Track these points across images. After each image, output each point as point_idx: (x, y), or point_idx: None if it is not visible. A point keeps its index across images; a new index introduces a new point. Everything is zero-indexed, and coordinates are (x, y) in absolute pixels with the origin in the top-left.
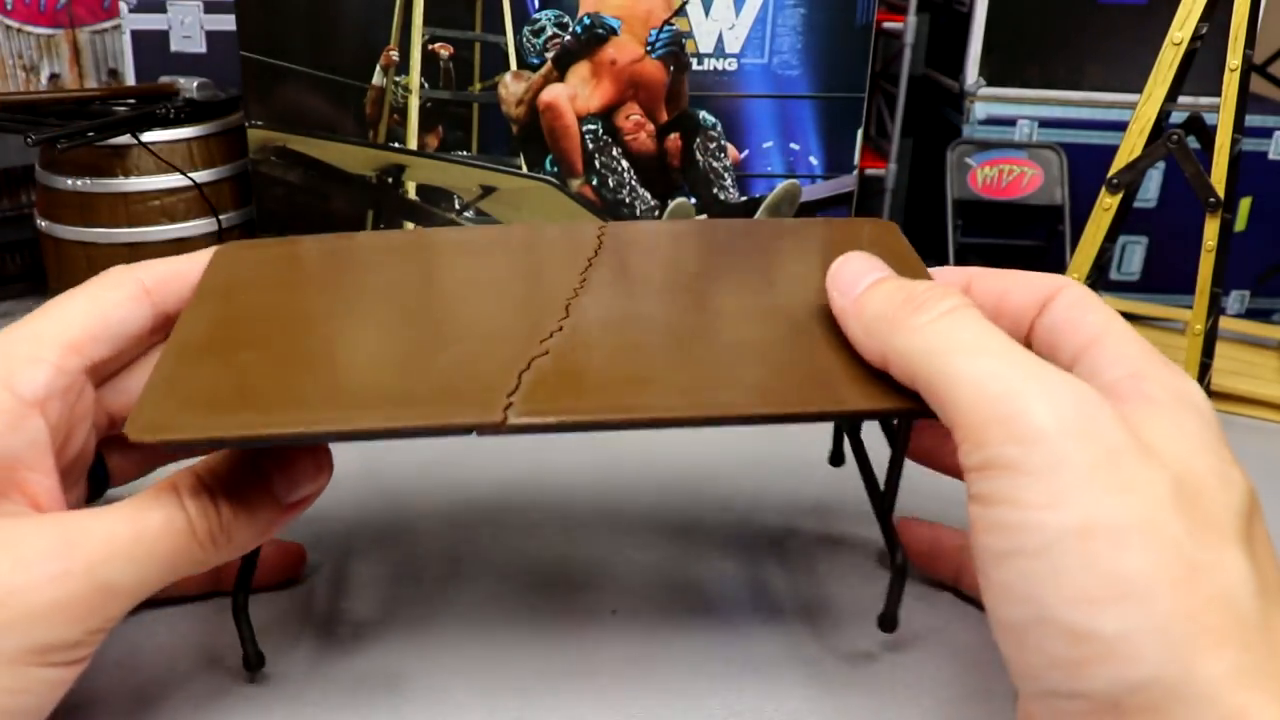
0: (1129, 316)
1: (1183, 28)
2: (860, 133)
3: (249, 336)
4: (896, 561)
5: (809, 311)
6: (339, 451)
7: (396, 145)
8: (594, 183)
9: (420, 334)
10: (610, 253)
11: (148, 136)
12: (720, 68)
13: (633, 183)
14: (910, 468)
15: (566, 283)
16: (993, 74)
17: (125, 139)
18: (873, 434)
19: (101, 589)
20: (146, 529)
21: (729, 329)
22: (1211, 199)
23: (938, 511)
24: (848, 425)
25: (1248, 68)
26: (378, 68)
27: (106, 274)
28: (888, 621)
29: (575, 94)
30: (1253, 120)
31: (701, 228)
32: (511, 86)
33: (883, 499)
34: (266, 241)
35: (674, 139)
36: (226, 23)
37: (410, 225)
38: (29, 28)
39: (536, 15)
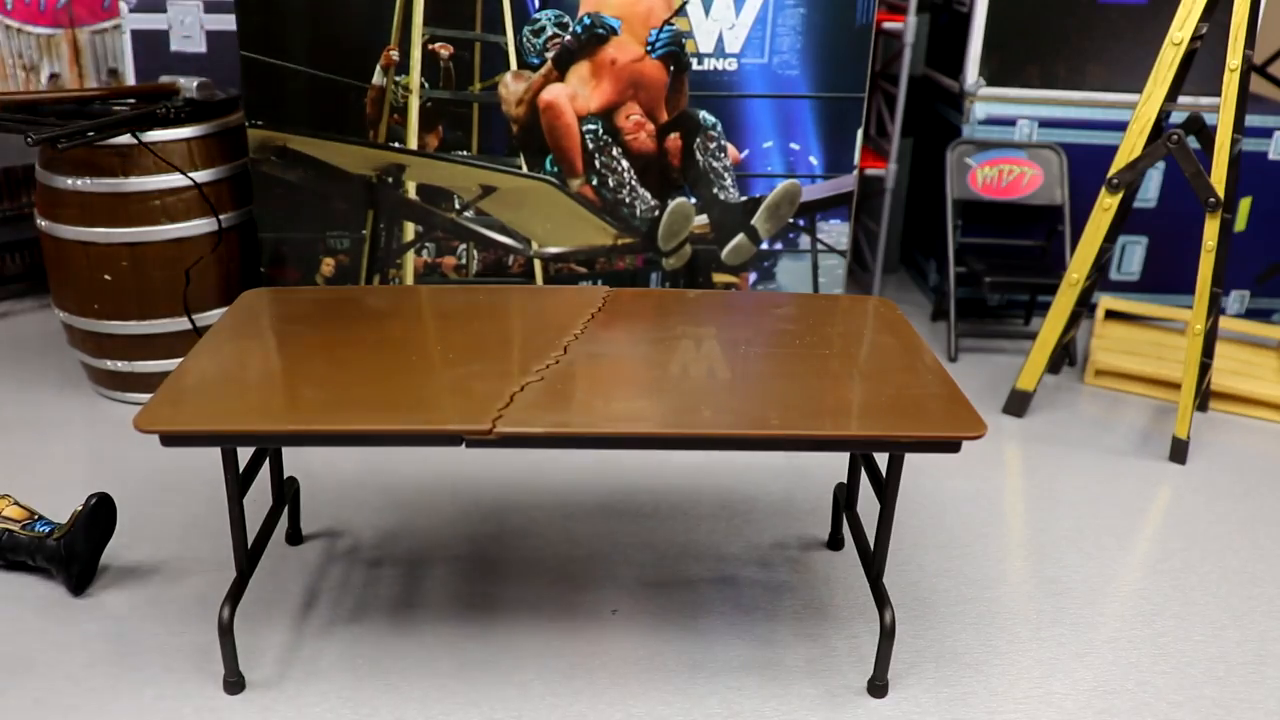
0: (1129, 316)
1: (1183, 28)
2: (860, 133)
3: (262, 362)
4: (885, 622)
5: (798, 359)
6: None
7: (396, 145)
8: (594, 182)
9: (427, 361)
10: (612, 310)
11: (148, 136)
12: (720, 68)
13: (633, 183)
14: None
15: (569, 329)
16: (993, 74)
17: (125, 139)
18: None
19: None
20: None
21: (718, 368)
22: (1211, 199)
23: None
24: (844, 500)
25: (1248, 68)
26: (378, 68)
27: None
28: (877, 689)
29: (575, 94)
30: (1253, 120)
31: (699, 295)
32: (512, 86)
33: (873, 560)
34: (294, 290)
35: (674, 139)
36: (226, 23)
37: (412, 225)
38: (29, 27)
39: (536, 15)
